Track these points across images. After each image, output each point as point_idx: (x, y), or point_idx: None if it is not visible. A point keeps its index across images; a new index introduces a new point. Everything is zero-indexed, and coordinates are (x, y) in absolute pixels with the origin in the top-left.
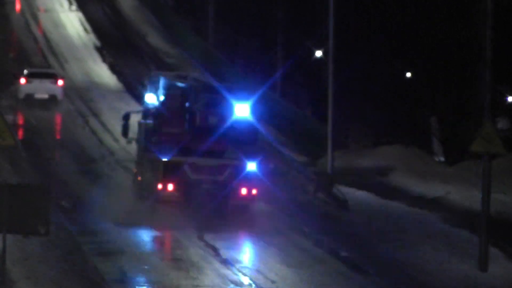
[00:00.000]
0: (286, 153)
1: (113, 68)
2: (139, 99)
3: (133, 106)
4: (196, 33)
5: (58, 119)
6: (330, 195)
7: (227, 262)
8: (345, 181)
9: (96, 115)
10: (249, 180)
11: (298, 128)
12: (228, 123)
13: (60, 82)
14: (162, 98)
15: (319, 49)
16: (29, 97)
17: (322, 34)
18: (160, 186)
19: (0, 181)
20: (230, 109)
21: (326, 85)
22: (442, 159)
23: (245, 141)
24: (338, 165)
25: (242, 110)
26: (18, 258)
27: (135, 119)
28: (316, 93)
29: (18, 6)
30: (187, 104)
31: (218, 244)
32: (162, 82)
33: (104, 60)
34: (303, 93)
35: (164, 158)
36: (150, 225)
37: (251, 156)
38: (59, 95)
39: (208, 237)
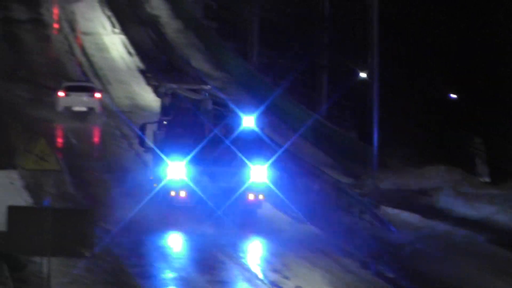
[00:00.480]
0: (330, 174)
1: (157, 91)
2: None
3: None
4: (240, 55)
5: (102, 140)
6: (376, 216)
7: (274, 285)
8: (390, 202)
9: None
10: (256, 187)
11: (342, 149)
12: (235, 134)
13: (98, 95)
14: (174, 110)
15: (363, 70)
16: (67, 110)
17: (366, 56)
18: (173, 193)
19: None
20: (237, 121)
21: (371, 106)
22: (487, 180)
23: (252, 150)
24: (383, 186)
25: (248, 121)
26: (63, 282)
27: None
28: (360, 114)
29: (57, 28)
30: (197, 116)
31: (262, 266)
32: (174, 95)
33: (148, 83)
34: (347, 114)
35: (174, 163)
36: (192, 246)
37: (258, 164)
38: (97, 108)
39: (251, 258)
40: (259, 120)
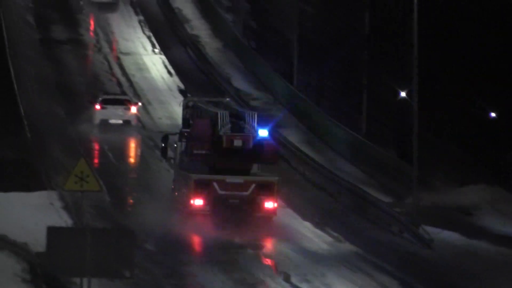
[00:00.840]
0: (370, 193)
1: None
2: None
3: None
4: (280, 74)
5: (141, 160)
6: (416, 234)
7: None
8: (430, 221)
9: None
10: (271, 195)
11: (382, 168)
12: (251, 145)
13: (134, 109)
14: (194, 122)
15: (403, 89)
16: (104, 123)
17: (407, 75)
18: (192, 201)
19: (84, 226)
20: (253, 132)
21: (410, 125)
22: None
23: (267, 160)
24: (423, 204)
25: (262, 133)
26: None
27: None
28: (400, 133)
29: (97, 48)
30: (216, 129)
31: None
32: (195, 107)
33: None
34: (387, 133)
35: (195, 176)
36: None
37: (272, 173)
38: (133, 120)
39: (294, 279)
40: (296, 137)
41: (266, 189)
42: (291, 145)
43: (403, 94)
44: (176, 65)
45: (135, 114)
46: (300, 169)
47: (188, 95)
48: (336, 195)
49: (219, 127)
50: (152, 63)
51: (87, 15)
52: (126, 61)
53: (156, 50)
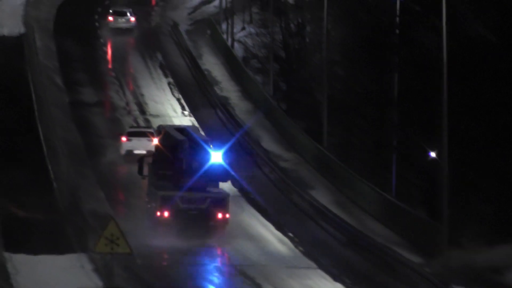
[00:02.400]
0: (400, 252)
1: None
2: (253, 202)
3: (248, 209)
4: (310, 135)
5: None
6: None
7: None
8: (460, 281)
9: None
10: (223, 207)
11: (412, 227)
12: (206, 167)
13: (156, 141)
14: (160, 147)
15: (433, 149)
16: (129, 153)
17: (436, 134)
18: (158, 213)
19: None
20: (208, 156)
21: (440, 184)
22: None
23: (219, 179)
24: (453, 263)
25: (216, 157)
26: None
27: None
28: (430, 192)
29: (127, 109)
30: (177, 153)
31: None
32: (163, 134)
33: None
34: (417, 192)
35: (161, 192)
36: None
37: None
38: None
39: None
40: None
41: (220, 203)
42: (320, 205)
43: (432, 154)
44: (205, 126)
45: None
46: (330, 230)
47: (161, 124)
48: (366, 254)
49: (180, 152)
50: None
51: (116, 77)
52: (156, 123)
53: (186, 112)
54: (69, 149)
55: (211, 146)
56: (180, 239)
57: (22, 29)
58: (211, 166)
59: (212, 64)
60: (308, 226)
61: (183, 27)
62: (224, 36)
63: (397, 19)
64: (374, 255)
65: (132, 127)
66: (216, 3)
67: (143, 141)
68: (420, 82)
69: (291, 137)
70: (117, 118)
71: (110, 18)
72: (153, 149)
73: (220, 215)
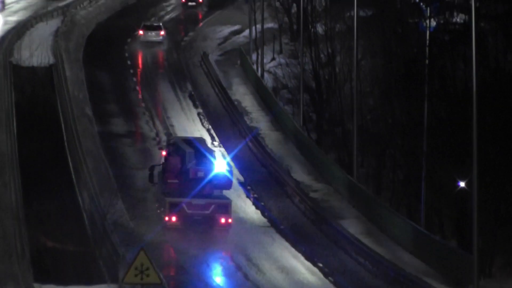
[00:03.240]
0: (430, 283)
1: (257, 203)
2: (283, 233)
3: (278, 240)
4: (340, 165)
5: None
6: None
7: None
8: None
9: (240, 250)
10: (226, 213)
11: (442, 257)
12: (211, 175)
13: None
14: (169, 158)
15: (463, 179)
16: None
17: (466, 164)
18: (166, 218)
19: None
20: (212, 166)
21: (470, 214)
22: None
23: (223, 187)
24: None
25: (220, 167)
26: None
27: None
28: (460, 222)
29: (157, 140)
30: (184, 163)
31: None
32: (174, 144)
33: (248, 195)
34: (447, 222)
35: (168, 199)
36: None
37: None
38: None
39: None
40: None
41: (223, 209)
42: (350, 235)
43: (462, 183)
44: (236, 157)
45: None
46: (360, 260)
47: (171, 135)
48: (396, 284)
49: (187, 162)
50: None
51: (146, 107)
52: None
53: (216, 143)
54: (99, 179)
55: (215, 156)
56: (210, 269)
57: (51, 60)
58: (215, 175)
59: (242, 95)
60: (339, 256)
61: (213, 57)
62: (254, 67)
63: (427, 49)
64: (404, 286)
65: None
66: (246, 33)
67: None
68: (450, 111)
69: (322, 168)
70: (147, 148)
71: (141, 32)
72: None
73: (223, 220)
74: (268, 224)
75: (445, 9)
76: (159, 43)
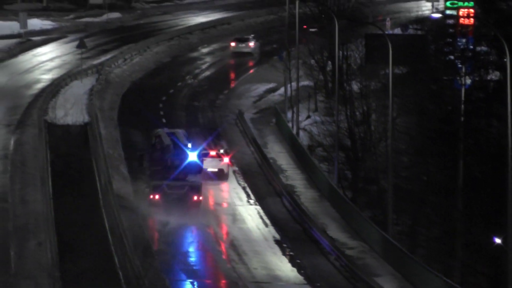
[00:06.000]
0: None
1: (293, 261)
2: None
3: None
4: (375, 223)
5: None
6: None
7: None
8: None
9: None
10: (197, 192)
11: None
12: (185, 163)
13: (226, 159)
14: (153, 149)
15: (498, 236)
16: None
17: (501, 220)
18: (151, 196)
19: None
20: (186, 156)
21: (506, 271)
22: None
23: (195, 172)
24: None
25: (192, 156)
26: None
27: None
28: (495, 279)
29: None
30: (165, 153)
31: None
32: (157, 137)
33: (284, 253)
34: (482, 280)
35: (152, 182)
36: None
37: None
38: (225, 169)
39: None
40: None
41: (195, 189)
42: None
43: (498, 240)
44: (271, 215)
45: (227, 164)
46: None
47: (159, 129)
48: None
49: (167, 153)
50: (248, 214)
51: None
52: (221, 212)
53: (251, 201)
54: (134, 238)
55: (189, 147)
56: None
57: (86, 118)
58: (189, 163)
59: (277, 153)
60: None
61: (248, 116)
62: (289, 124)
63: (462, 106)
64: None
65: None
66: (281, 91)
67: (214, 161)
68: (485, 169)
69: (357, 225)
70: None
71: (232, 44)
72: (223, 167)
73: (195, 198)
74: (304, 281)
75: (480, 67)
76: (249, 54)
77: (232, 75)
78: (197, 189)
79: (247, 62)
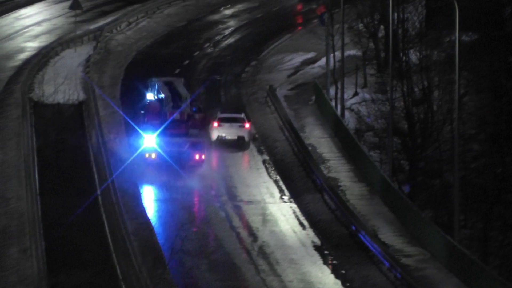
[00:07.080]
0: None
1: (337, 272)
2: None
3: None
4: (439, 226)
5: None
6: None
7: None
8: None
9: None
10: (200, 150)
11: None
12: (185, 118)
13: (247, 125)
14: (149, 102)
15: None
16: (220, 139)
17: None
18: (147, 155)
19: None
20: (187, 109)
21: None
22: None
23: (197, 127)
24: None
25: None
26: None
27: None
28: None
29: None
30: (163, 106)
31: None
32: (153, 86)
33: (326, 262)
34: None
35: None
36: None
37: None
38: (247, 137)
39: None
40: None
41: (197, 147)
42: None
43: None
44: (310, 215)
45: (249, 130)
46: None
47: (153, 78)
48: None
49: (165, 105)
50: (281, 213)
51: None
52: (249, 211)
53: (285, 198)
54: (141, 244)
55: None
56: None
57: (81, 96)
58: (189, 117)
59: (317, 138)
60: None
61: (281, 93)
62: (333, 103)
63: None
64: None
65: (223, 112)
66: (322, 62)
67: (234, 127)
68: None
69: (416, 228)
70: (202, 205)
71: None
72: (244, 134)
73: (197, 156)
74: None
75: None
76: None
77: (262, 43)
78: (199, 147)
79: (280, 27)
